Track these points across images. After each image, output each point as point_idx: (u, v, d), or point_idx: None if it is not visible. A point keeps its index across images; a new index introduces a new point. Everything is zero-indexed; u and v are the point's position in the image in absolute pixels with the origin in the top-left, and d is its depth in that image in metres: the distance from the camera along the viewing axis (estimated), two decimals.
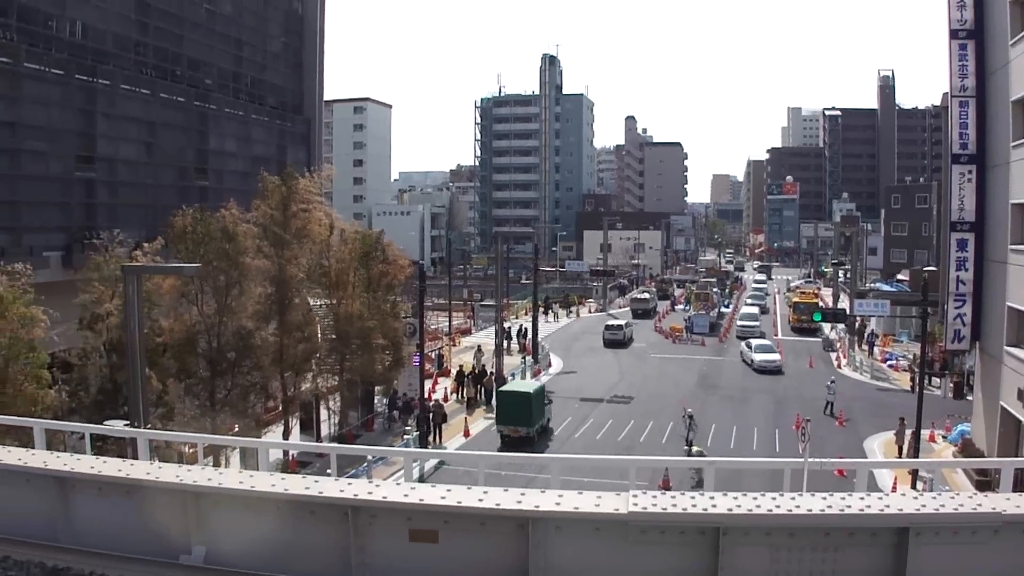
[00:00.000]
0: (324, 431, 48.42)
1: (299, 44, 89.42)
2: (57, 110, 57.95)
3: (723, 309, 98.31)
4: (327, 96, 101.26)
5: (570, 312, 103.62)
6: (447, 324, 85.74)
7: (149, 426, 21.96)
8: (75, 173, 59.64)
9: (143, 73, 66.49)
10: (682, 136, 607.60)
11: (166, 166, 68.72)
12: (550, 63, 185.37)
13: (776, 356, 65.13)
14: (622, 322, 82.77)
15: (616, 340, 77.96)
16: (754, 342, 68.55)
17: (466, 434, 47.73)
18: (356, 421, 50.04)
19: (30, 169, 55.37)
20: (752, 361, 65.03)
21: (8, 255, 45.87)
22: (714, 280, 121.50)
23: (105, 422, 20.83)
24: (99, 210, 60.50)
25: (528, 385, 50.75)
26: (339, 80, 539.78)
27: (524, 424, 45.53)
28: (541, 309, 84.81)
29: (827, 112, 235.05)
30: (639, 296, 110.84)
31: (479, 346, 65.49)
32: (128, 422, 19.73)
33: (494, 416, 48.84)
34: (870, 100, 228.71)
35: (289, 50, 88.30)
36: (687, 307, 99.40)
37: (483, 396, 55.27)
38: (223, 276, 39.74)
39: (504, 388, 49.68)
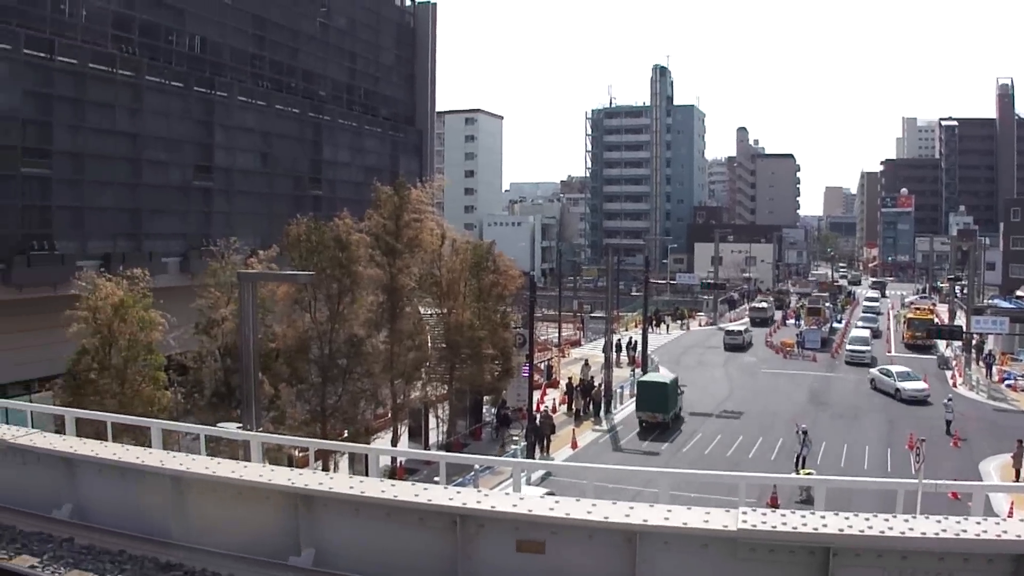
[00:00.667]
0: (432, 439, 48.66)
1: (411, 56, 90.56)
2: (177, 121, 59.56)
3: (835, 324, 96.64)
4: (439, 107, 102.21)
5: (682, 325, 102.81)
6: (556, 335, 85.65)
7: (261, 429, 22.31)
8: (193, 182, 61.17)
9: (259, 85, 67.96)
10: (794, 147, 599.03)
11: (281, 176, 70.04)
12: (661, 74, 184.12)
13: (924, 385, 60.53)
14: (742, 328, 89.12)
15: (736, 344, 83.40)
16: (893, 368, 64.17)
17: (573, 445, 47.57)
18: (464, 430, 50.22)
19: (150, 178, 56.88)
20: (898, 391, 59.91)
21: (129, 260, 46.99)
22: (826, 295, 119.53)
23: (218, 424, 21.22)
24: (216, 218, 61.93)
25: (665, 376, 57.04)
26: (451, 91, 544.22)
27: (661, 411, 51.27)
28: (652, 322, 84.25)
29: (943, 122, 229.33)
30: (758, 305, 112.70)
31: (586, 360, 65.30)
32: (241, 425, 20.02)
33: (601, 429, 49.78)
34: (988, 109, 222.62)
35: (401, 62, 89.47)
36: (798, 322, 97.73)
37: (591, 408, 55.07)
38: (336, 284, 40.15)
39: (644, 378, 55.41)
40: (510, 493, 10.42)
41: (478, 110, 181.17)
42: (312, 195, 72.25)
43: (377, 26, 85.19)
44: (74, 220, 52.07)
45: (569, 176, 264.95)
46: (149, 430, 17.06)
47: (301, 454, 34.62)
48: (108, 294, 33.65)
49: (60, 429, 19.43)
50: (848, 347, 77.40)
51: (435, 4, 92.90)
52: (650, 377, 56.10)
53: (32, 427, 14.96)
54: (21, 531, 12.21)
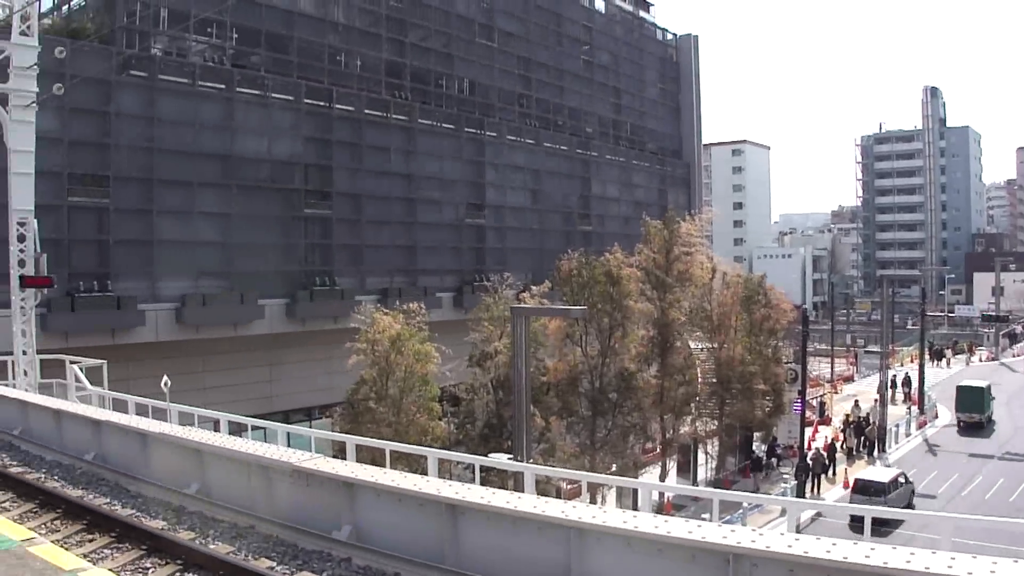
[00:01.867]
0: (700, 475, 48.03)
1: (676, 89, 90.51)
2: (448, 162, 61.61)
3: None
4: (705, 139, 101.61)
5: (969, 359, 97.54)
6: (829, 371, 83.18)
7: (532, 461, 22.47)
8: (466, 220, 62.84)
9: (527, 124, 69.31)
10: None
11: (551, 212, 71.14)
12: (931, 95, 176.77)
13: None
14: None
15: None
16: None
17: (845, 485, 45.65)
18: (733, 467, 49.32)
19: (424, 216, 58.92)
20: None
21: (405, 295, 48.83)
22: None
23: (490, 455, 21.51)
24: (488, 254, 63.51)
25: (980, 382, 62.80)
26: (716, 123, 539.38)
27: (978, 411, 58.44)
28: (929, 356, 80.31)
29: None
30: None
31: (856, 400, 62.82)
32: (512, 456, 20.22)
33: None
34: None
35: (666, 95, 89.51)
36: None
37: (865, 447, 52.93)
38: (607, 318, 40.38)
39: (962, 383, 62.50)
40: (784, 533, 9.94)
41: (744, 141, 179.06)
42: (581, 230, 72.87)
43: (640, 60, 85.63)
44: (353, 257, 54.42)
45: (840, 206, 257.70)
46: (423, 458, 17.38)
47: (569, 486, 34.76)
48: (385, 327, 34.97)
49: (337, 454, 20.07)
50: None
51: (697, 36, 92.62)
52: (968, 382, 62.87)
53: (313, 452, 15.51)
54: (303, 548, 12.69)
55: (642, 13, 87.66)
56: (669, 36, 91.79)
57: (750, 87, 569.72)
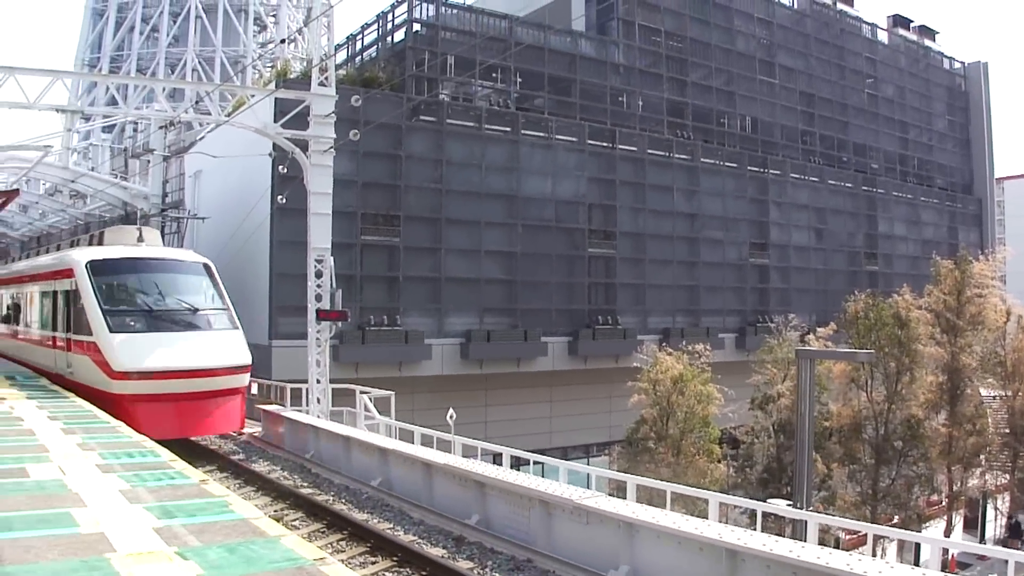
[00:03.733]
0: (988, 532, 45.79)
1: (965, 121, 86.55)
2: (731, 200, 61.37)
3: None
4: (998, 173, 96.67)
5: None
6: None
7: (811, 508, 22.24)
8: (749, 259, 62.36)
9: (811, 161, 68.11)
10: None
11: (835, 251, 69.45)
12: None
13: None
14: None
15: None
16: None
17: None
18: None
19: (707, 256, 58.89)
20: None
21: (687, 336, 48.98)
22: None
23: (768, 500, 21.40)
24: (771, 294, 62.78)
25: None
26: (1009, 155, 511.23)
27: None
28: None
29: None
30: None
31: None
32: (791, 503, 20.08)
33: None
34: None
35: (955, 128, 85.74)
36: None
37: None
38: (894, 362, 39.36)
39: None
40: None
41: None
42: (867, 271, 70.80)
43: (927, 92, 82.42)
44: (635, 297, 54.91)
45: None
46: (698, 501, 17.52)
47: (848, 537, 33.97)
48: (668, 367, 35.26)
49: (614, 492, 20.46)
50: None
51: (986, 63, 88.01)
52: None
53: (593, 489, 15.90)
54: None
55: (927, 42, 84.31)
56: (957, 65, 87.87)
57: None
